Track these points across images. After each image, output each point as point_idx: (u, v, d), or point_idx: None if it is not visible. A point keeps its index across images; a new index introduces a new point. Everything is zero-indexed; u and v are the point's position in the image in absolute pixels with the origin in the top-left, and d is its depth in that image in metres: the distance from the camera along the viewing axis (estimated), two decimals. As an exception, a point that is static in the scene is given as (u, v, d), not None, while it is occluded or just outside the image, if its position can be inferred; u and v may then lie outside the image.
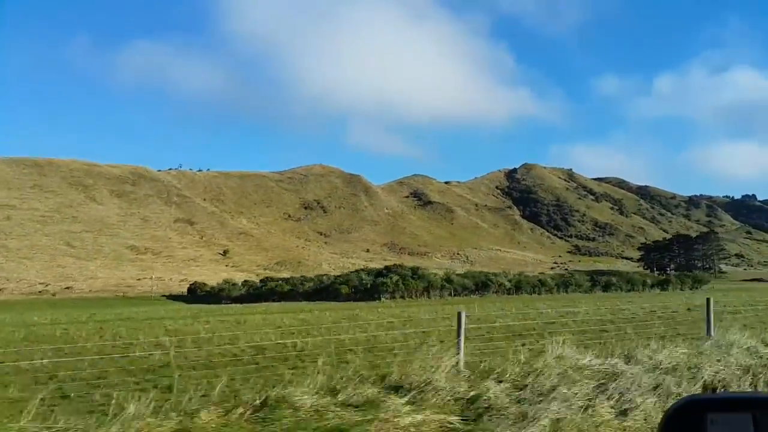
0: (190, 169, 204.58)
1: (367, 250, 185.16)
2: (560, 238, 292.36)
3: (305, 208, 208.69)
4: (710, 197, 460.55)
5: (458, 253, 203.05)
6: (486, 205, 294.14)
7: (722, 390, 5.70)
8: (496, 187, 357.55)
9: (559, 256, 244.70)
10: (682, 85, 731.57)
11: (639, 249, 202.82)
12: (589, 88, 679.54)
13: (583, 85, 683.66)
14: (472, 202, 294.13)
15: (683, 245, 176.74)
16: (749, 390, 5.77)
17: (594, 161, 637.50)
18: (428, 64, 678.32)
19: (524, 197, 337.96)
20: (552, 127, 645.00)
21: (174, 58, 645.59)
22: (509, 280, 63.68)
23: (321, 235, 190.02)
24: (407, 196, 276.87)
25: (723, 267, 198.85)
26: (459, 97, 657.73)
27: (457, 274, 66.14)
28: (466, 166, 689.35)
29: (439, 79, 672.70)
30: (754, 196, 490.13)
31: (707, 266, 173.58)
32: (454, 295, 57.43)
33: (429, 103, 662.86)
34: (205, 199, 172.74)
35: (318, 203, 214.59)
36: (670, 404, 1.75)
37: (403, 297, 53.40)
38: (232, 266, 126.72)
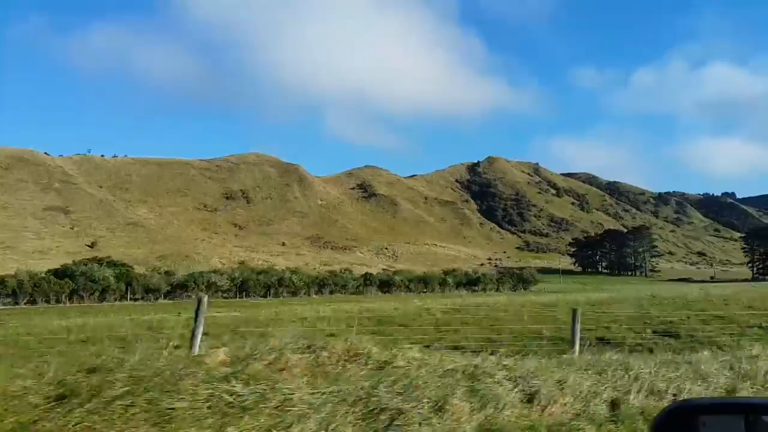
0: (102, 155, 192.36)
1: (283, 244, 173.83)
2: (513, 233, 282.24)
3: (227, 198, 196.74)
4: (683, 194, 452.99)
5: (386, 248, 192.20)
6: (436, 199, 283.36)
7: None
8: (456, 181, 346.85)
9: (504, 252, 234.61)
10: (661, 79, 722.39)
11: (570, 245, 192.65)
12: (567, 80, 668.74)
13: (560, 77, 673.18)
14: (423, 195, 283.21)
15: (615, 241, 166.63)
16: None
17: (570, 156, 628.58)
18: (400, 51, 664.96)
19: (483, 191, 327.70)
20: (528, 119, 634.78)
21: (132, 42, 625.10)
22: (232, 280, 52.41)
23: (236, 227, 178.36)
24: (353, 188, 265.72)
25: (657, 264, 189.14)
26: (434, 86, 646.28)
27: (171, 274, 55.12)
28: (439, 157, 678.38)
29: (412, 67, 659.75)
30: (733, 193, 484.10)
31: (637, 264, 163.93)
32: (142, 300, 46.66)
33: (403, 94, 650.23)
34: (102, 187, 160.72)
35: (243, 193, 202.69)
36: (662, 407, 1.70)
37: (59, 301, 42.57)
38: (96, 260, 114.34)
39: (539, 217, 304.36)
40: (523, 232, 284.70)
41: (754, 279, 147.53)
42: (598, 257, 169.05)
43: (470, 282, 65.08)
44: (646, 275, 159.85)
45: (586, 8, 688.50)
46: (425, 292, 57.58)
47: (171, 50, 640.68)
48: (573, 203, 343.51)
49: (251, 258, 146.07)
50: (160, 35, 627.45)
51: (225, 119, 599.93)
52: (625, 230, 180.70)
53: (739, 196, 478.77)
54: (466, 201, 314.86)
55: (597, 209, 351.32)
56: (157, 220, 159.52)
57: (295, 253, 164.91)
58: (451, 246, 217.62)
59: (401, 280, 60.61)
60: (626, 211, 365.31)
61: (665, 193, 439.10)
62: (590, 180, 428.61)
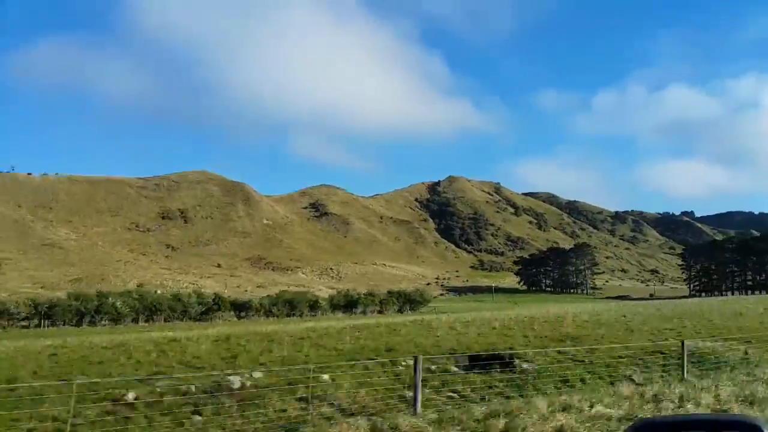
0: (29, 173, 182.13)
1: (219, 265, 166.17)
2: (469, 252, 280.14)
3: (163, 217, 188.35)
4: (641, 212, 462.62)
5: (331, 269, 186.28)
6: (392, 218, 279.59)
7: None
8: (416, 200, 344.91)
9: (456, 271, 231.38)
10: (622, 101, 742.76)
11: (515, 263, 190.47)
12: (530, 103, 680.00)
13: (524, 99, 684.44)
14: (378, 215, 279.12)
15: (558, 259, 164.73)
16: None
17: (533, 176, 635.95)
18: (364, 72, 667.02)
19: (442, 210, 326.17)
20: (493, 140, 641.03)
21: (83, 59, 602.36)
22: (35, 307, 45.15)
23: (168, 248, 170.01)
24: (305, 207, 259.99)
25: (607, 282, 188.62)
26: (399, 107, 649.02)
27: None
28: (405, 177, 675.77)
29: (376, 88, 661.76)
30: (692, 212, 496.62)
31: (579, 281, 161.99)
32: None
33: (368, 114, 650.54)
34: (21, 206, 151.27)
35: (181, 212, 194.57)
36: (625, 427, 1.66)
37: None
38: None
39: (496, 235, 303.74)
40: (479, 251, 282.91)
41: (691, 296, 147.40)
42: (541, 275, 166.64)
43: (350, 304, 59.27)
44: (587, 293, 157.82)
45: (546, 32, 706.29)
46: (292, 316, 51.71)
47: (123, 68, 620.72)
48: (531, 222, 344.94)
49: (178, 280, 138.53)
50: (112, 52, 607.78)
51: (182, 139, 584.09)
52: (567, 248, 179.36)
53: (697, 215, 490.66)
54: (425, 220, 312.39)
55: (555, 228, 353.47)
56: (79, 241, 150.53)
57: (230, 274, 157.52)
58: (400, 266, 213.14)
59: (260, 304, 54.18)
60: (583, 229, 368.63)
61: (623, 211, 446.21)
62: (550, 199, 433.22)
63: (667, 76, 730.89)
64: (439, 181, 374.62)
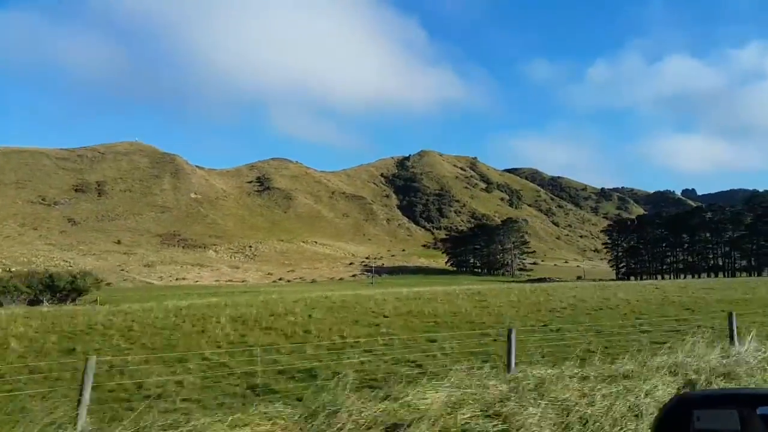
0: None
1: (119, 242, 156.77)
2: (427, 230, 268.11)
3: (76, 190, 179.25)
4: (631, 189, 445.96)
5: (250, 246, 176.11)
6: (344, 193, 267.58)
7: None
8: (382, 175, 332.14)
9: (403, 250, 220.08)
10: (619, 72, 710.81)
11: (442, 241, 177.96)
12: (518, 73, 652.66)
13: (512, 70, 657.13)
14: (330, 190, 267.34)
15: (485, 237, 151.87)
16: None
17: (521, 151, 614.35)
18: (338, 40, 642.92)
19: (407, 186, 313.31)
20: (477, 112, 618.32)
21: (47, 31, 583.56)
22: None
23: (70, 222, 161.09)
24: (251, 181, 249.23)
25: (553, 261, 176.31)
26: (377, 77, 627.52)
27: None
28: (381, 152, 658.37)
29: (352, 57, 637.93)
30: (693, 190, 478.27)
31: (505, 261, 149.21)
32: None
33: (346, 85, 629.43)
34: None
35: (98, 185, 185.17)
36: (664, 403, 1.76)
37: None
38: None
39: (460, 213, 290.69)
40: (438, 228, 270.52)
41: (619, 279, 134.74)
42: (469, 254, 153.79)
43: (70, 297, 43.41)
44: (512, 274, 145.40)
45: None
46: None
47: (81, 39, 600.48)
48: (503, 199, 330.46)
49: (52, 257, 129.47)
50: (66, 23, 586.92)
51: (138, 113, 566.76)
52: (494, 225, 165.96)
53: (699, 193, 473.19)
54: (387, 196, 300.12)
55: (529, 205, 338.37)
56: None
57: (124, 251, 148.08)
58: (337, 244, 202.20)
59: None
60: (560, 207, 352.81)
61: (610, 189, 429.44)
62: (533, 175, 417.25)
63: (665, 46, 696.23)
64: (410, 155, 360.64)
